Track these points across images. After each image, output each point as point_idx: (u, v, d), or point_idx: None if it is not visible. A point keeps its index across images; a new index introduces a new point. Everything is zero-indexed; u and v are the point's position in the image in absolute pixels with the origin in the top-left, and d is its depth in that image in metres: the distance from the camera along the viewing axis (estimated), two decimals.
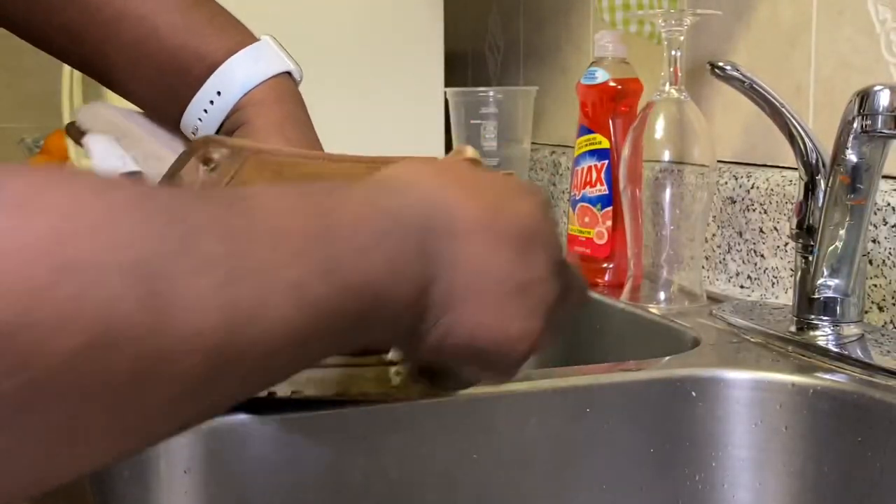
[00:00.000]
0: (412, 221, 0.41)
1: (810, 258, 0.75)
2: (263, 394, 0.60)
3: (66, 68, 1.36)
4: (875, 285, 0.80)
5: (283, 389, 0.59)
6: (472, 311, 0.43)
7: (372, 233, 0.39)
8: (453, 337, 0.43)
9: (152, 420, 0.31)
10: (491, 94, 1.24)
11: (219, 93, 0.63)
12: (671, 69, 0.90)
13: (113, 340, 0.27)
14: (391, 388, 0.58)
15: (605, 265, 0.99)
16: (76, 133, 0.68)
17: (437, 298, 0.41)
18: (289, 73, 0.65)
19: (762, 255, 0.93)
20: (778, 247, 0.91)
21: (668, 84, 0.90)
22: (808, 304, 0.76)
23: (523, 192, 0.47)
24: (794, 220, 0.77)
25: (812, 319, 0.76)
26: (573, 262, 0.51)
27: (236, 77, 0.63)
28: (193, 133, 0.65)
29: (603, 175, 0.99)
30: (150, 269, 0.29)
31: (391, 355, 0.57)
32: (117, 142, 0.65)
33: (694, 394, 0.70)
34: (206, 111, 0.64)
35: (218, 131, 0.64)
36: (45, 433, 0.28)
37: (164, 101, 0.66)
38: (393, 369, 0.57)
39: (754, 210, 0.93)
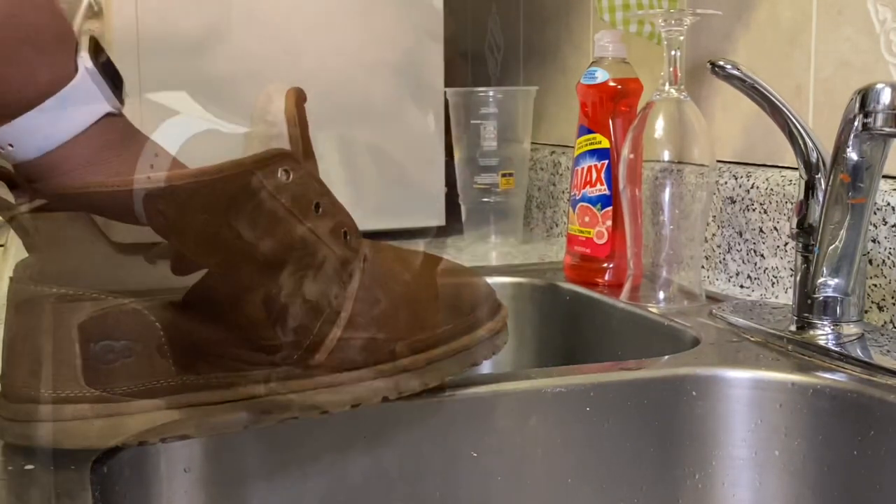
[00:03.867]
0: None
1: (810, 258, 0.75)
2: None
3: None
4: (875, 285, 0.80)
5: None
6: None
7: None
8: None
9: None
10: (491, 94, 1.24)
11: (11, 145, 0.53)
12: (671, 69, 0.90)
13: None
14: None
15: (605, 265, 0.99)
16: None
17: None
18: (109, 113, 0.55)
19: (762, 255, 0.93)
20: (778, 247, 0.91)
21: (667, 84, 0.90)
22: (808, 304, 0.76)
23: None
24: (795, 220, 0.77)
25: (812, 319, 0.76)
26: None
27: (32, 138, 0.53)
28: None
29: (603, 175, 0.99)
30: None
31: None
32: None
33: (694, 393, 0.70)
34: None
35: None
36: None
37: None
38: None
39: (754, 210, 0.93)
